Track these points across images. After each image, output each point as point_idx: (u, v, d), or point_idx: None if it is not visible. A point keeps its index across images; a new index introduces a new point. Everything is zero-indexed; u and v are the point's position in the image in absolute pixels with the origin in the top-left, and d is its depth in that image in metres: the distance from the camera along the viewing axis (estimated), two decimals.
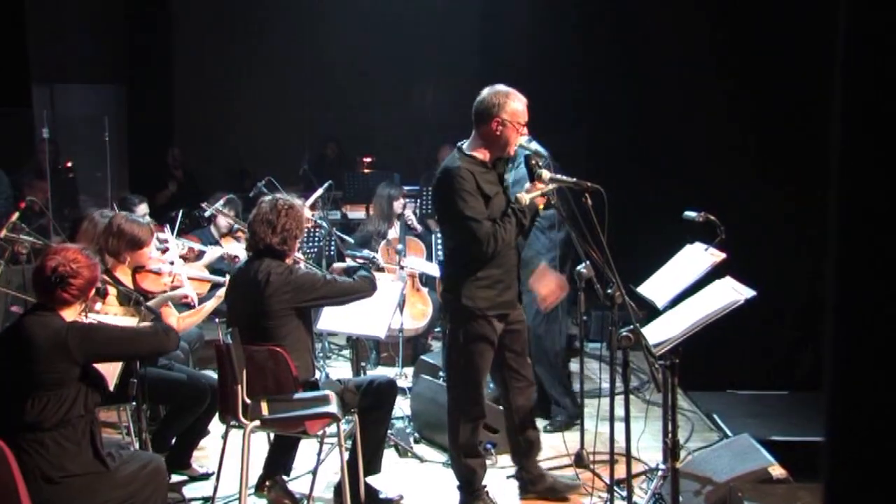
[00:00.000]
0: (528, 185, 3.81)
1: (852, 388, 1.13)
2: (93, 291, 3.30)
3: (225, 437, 3.97)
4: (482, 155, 3.86)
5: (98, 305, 3.86)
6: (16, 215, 5.00)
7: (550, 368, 5.14)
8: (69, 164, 8.90)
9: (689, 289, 3.99)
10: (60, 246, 3.36)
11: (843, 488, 1.17)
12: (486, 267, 3.83)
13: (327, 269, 4.62)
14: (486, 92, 3.85)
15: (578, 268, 4.30)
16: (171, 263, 4.72)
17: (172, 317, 4.54)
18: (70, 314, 3.21)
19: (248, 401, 3.70)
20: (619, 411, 3.51)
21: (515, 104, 3.80)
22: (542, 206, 3.86)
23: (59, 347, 3.06)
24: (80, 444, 3.12)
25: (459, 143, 3.95)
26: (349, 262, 4.35)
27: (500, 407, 4.37)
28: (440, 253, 6.36)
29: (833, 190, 1.17)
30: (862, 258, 1.13)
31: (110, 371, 3.80)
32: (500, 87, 3.84)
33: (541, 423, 4.72)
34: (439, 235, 6.43)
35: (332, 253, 6.45)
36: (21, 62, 8.78)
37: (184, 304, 4.62)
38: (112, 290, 4.08)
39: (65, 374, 3.08)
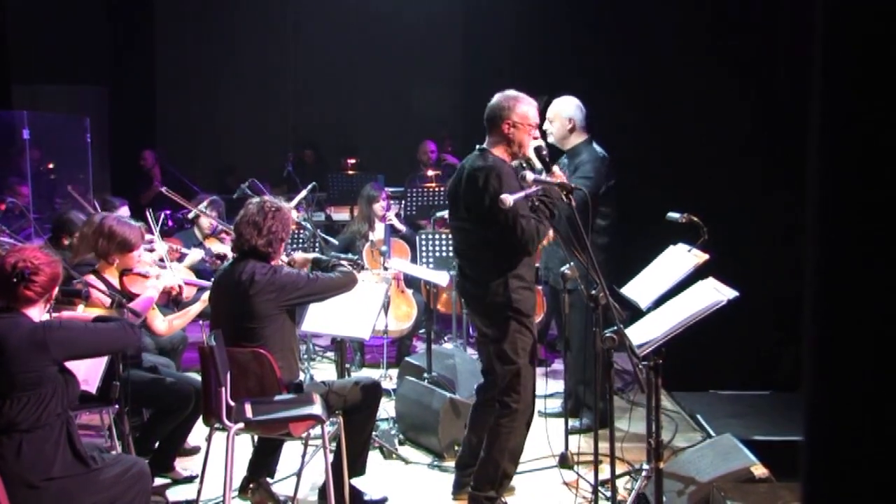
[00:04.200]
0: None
1: (831, 387, 1.14)
2: (56, 290, 3.24)
3: (209, 439, 3.96)
4: (502, 155, 3.91)
5: (81, 307, 3.84)
6: None
7: (582, 371, 5.13)
8: (51, 166, 8.85)
9: (673, 290, 4.01)
10: (19, 246, 3.33)
11: (822, 487, 1.18)
12: (525, 269, 3.90)
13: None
14: (496, 97, 3.94)
15: (562, 269, 4.33)
16: (161, 261, 4.70)
17: (159, 319, 4.53)
18: (35, 313, 3.15)
19: (231, 403, 3.69)
20: None
21: (525, 107, 3.89)
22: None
23: (36, 346, 3.01)
24: (57, 444, 3.08)
25: (479, 146, 3.98)
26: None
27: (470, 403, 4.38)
28: (425, 255, 6.36)
29: (811, 188, 1.18)
30: (841, 257, 1.15)
31: (93, 373, 3.78)
32: (510, 92, 3.94)
33: (562, 423, 4.74)
34: (424, 237, 6.43)
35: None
36: (1, 63, 8.72)
37: (172, 303, 4.58)
38: (95, 293, 4.05)
39: (42, 371, 3.03)
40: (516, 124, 3.86)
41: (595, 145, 5.01)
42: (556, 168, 3.83)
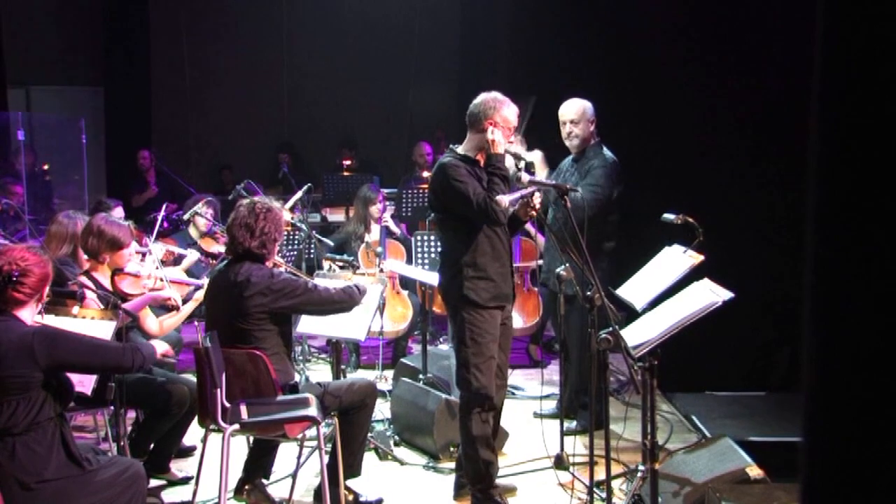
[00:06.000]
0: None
1: (830, 388, 1.15)
2: (47, 289, 3.20)
3: (204, 440, 3.95)
4: (473, 155, 4.03)
5: (76, 309, 3.83)
6: None
7: (580, 373, 5.12)
8: (45, 167, 8.82)
9: (668, 291, 4.01)
10: (7, 247, 3.29)
11: (820, 488, 1.18)
12: (485, 260, 3.95)
13: (307, 273, 4.61)
14: (481, 97, 4.05)
15: (558, 270, 4.34)
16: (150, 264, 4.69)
17: (151, 319, 4.52)
18: (27, 315, 3.13)
19: (227, 404, 3.68)
20: None
21: (508, 111, 4.00)
22: (532, 215, 4.01)
23: (24, 352, 2.99)
24: (51, 447, 3.06)
25: (452, 145, 4.11)
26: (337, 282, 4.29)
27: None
28: (421, 256, 6.36)
29: (810, 189, 1.18)
30: (839, 258, 1.15)
31: (88, 374, 3.77)
32: (496, 94, 4.05)
33: (557, 424, 4.74)
34: (420, 239, 6.43)
35: (311, 256, 6.43)
36: None
37: (165, 307, 4.58)
38: (90, 294, 4.04)
39: (28, 378, 3.00)
40: (497, 124, 3.96)
41: (605, 149, 4.99)
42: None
